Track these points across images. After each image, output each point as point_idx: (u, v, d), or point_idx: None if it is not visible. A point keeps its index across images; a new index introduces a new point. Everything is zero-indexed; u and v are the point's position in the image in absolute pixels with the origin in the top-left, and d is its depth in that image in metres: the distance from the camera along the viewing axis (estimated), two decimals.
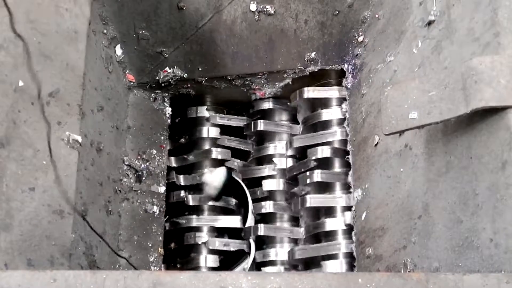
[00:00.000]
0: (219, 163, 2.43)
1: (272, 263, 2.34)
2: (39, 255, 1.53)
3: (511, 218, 1.30)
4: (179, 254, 2.38)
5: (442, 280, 1.21)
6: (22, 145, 1.60)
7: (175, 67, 2.22)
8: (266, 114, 2.46)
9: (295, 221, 2.38)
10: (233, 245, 2.35)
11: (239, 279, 1.20)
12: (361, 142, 2.06)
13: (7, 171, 1.56)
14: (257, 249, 2.35)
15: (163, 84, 2.26)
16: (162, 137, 2.29)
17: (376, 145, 1.93)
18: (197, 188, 2.40)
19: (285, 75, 2.27)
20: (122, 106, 2.15)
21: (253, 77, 2.28)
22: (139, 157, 2.19)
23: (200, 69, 2.24)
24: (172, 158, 2.40)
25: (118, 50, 2.13)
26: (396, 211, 1.76)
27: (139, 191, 2.16)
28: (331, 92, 2.29)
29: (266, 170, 2.41)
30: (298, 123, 2.43)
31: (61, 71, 1.72)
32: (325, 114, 2.29)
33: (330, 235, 2.19)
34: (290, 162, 2.42)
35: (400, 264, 1.69)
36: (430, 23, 1.69)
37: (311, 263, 2.25)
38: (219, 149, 2.42)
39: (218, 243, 2.33)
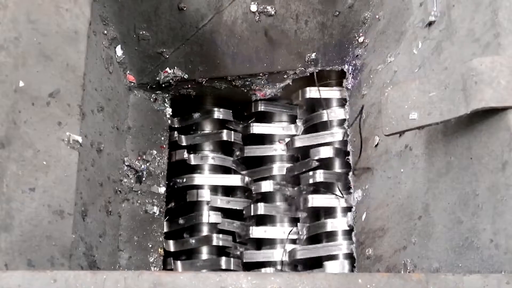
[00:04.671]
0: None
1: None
2: (39, 255, 1.53)
3: (511, 218, 1.30)
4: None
5: (442, 281, 1.21)
6: (23, 145, 1.60)
7: (175, 67, 2.22)
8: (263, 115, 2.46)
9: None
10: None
11: (239, 279, 1.20)
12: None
13: (7, 171, 1.56)
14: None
15: (163, 85, 2.26)
16: (163, 138, 2.29)
17: (376, 145, 1.93)
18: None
19: (285, 76, 2.27)
20: (122, 106, 2.16)
21: (254, 78, 2.28)
22: (139, 158, 2.19)
23: (200, 69, 2.24)
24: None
25: (119, 51, 2.13)
26: (396, 211, 1.76)
27: (139, 192, 2.16)
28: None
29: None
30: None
31: (62, 71, 1.72)
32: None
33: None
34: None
35: (400, 264, 1.69)
36: (430, 23, 1.69)
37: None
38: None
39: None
